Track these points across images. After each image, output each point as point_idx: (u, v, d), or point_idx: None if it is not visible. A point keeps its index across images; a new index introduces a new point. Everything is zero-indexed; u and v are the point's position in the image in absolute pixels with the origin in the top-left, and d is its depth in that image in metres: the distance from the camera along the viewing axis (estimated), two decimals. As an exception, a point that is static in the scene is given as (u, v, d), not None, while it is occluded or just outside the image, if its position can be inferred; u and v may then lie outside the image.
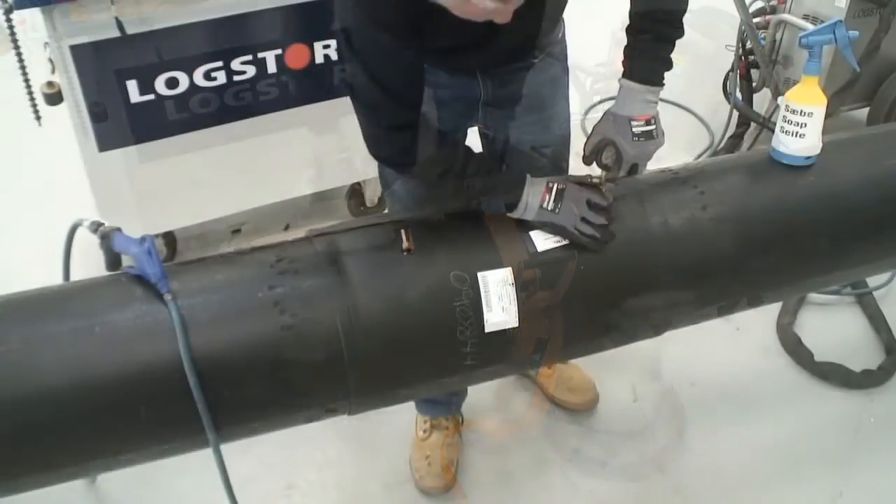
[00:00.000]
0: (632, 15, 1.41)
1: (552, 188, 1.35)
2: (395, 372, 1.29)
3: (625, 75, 1.41)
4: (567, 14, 1.53)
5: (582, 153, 1.45)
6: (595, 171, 1.43)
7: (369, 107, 1.29)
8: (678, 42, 1.40)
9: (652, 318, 1.45)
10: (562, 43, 1.64)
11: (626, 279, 1.38)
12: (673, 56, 1.40)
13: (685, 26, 1.39)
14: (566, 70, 1.67)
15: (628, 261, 1.38)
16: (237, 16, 2.13)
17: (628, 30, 1.42)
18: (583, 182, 1.39)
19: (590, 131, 1.44)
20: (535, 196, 1.35)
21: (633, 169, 1.42)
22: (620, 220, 1.38)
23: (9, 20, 2.02)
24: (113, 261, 1.23)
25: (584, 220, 1.33)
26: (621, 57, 1.42)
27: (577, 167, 1.46)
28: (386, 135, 1.31)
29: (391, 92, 1.24)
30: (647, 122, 1.39)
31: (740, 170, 1.54)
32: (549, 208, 1.34)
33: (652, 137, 1.39)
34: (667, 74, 1.42)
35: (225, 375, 1.17)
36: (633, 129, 1.38)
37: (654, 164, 1.59)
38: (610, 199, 1.36)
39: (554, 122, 1.67)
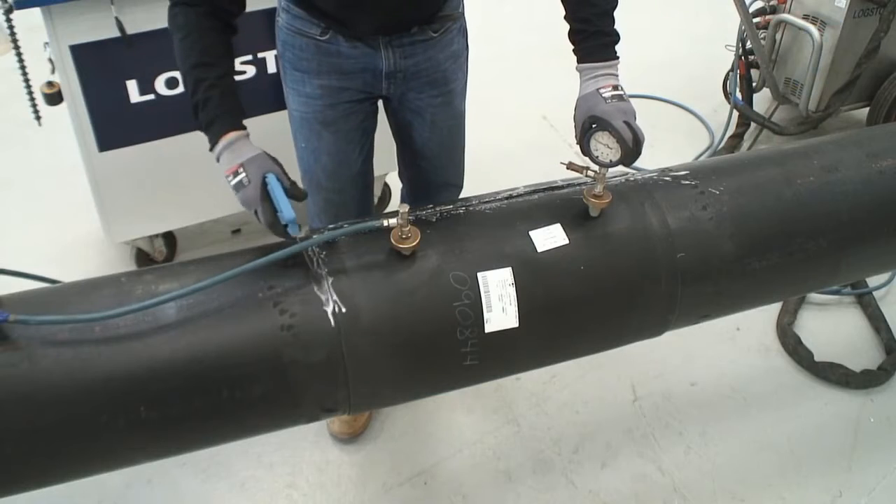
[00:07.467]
0: (567, 18, 1.45)
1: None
2: (394, 372, 1.29)
3: (579, 61, 1.43)
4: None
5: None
6: (593, 169, 1.42)
7: None
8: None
9: (652, 318, 1.45)
10: (461, 18, 1.68)
11: (627, 279, 1.38)
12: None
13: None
14: (466, 46, 1.72)
15: (628, 261, 1.38)
16: (237, 16, 2.12)
17: (568, 22, 1.45)
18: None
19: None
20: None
21: (636, 146, 1.34)
22: (620, 219, 1.38)
23: (9, 20, 2.01)
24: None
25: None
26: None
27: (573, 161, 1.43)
28: None
29: None
30: (614, 89, 1.38)
31: (740, 170, 1.54)
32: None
33: (623, 100, 1.38)
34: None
35: (225, 375, 1.17)
36: (603, 95, 1.37)
37: (654, 165, 1.60)
38: None
39: (455, 97, 1.72)
